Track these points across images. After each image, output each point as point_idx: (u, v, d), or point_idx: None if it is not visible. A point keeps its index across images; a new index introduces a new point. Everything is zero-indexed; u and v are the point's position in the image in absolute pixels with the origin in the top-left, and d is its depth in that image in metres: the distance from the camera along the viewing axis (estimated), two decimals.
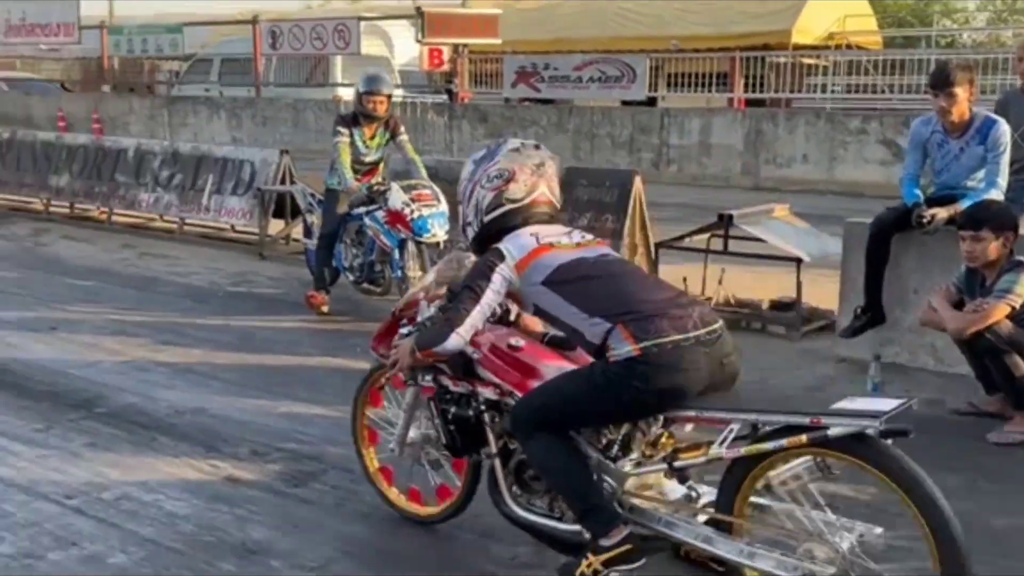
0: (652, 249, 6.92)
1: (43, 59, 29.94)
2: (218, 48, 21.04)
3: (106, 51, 21.49)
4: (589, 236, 3.04)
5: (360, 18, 17.63)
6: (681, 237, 6.59)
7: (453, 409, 3.09)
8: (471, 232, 3.06)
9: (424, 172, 6.54)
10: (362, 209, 6.43)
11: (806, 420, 2.51)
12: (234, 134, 18.97)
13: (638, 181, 7.04)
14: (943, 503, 2.42)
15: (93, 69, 26.44)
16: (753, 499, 2.68)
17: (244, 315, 6.59)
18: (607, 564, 2.66)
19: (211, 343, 5.84)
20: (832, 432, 2.46)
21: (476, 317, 2.86)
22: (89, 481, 3.88)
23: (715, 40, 17.45)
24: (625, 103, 16.04)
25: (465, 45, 16.62)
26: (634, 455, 2.81)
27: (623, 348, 2.64)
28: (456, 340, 2.88)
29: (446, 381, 3.09)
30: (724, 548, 2.65)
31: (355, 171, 6.44)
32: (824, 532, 2.53)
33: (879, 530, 2.55)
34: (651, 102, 16.07)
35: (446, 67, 17.66)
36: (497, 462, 3.03)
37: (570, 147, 15.31)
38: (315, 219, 7.04)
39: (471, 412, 3.05)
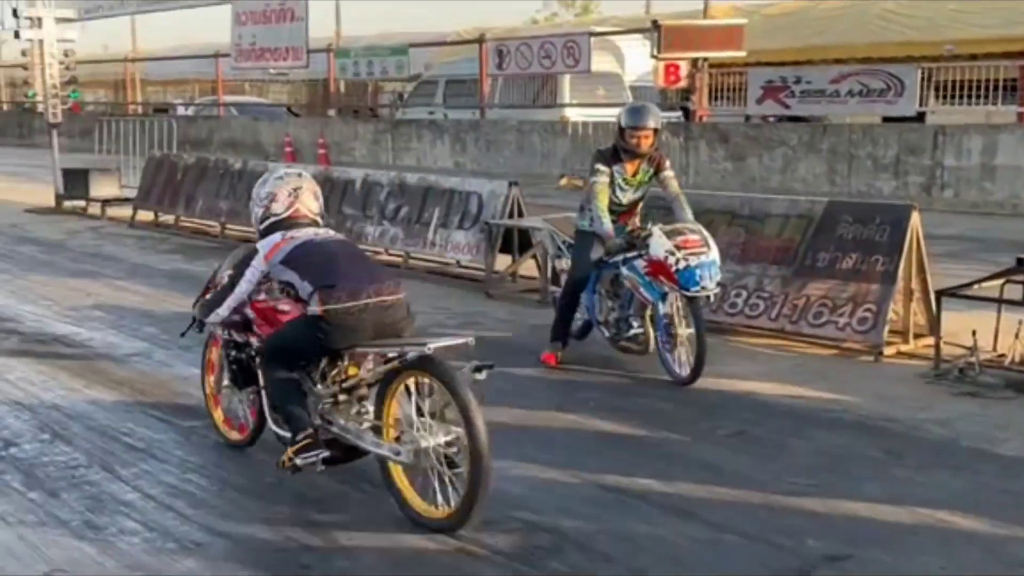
0: (932, 296, 6.47)
1: (270, 83, 32.35)
2: (443, 69, 21.87)
3: (332, 74, 22.86)
4: (331, 231, 4.53)
5: (591, 33, 17.80)
6: (969, 284, 6.12)
7: (234, 353, 4.67)
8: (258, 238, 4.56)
9: (690, 213, 6.21)
10: (619, 256, 6.14)
11: (398, 349, 4.01)
12: (457, 159, 19.63)
13: (915, 217, 6.62)
14: (476, 413, 3.78)
15: (319, 93, 28.21)
16: (395, 410, 4.13)
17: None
18: (296, 453, 4.11)
19: None
20: (409, 356, 3.94)
21: (231, 302, 4.45)
22: (310, 546, 4.02)
23: (999, 44, 16.32)
24: (887, 119, 15.27)
25: (705, 59, 16.40)
26: (329, 381, 4.29)
27: (314, 307, 4.10)
28: (215, 318, 4.55)
29: (233, 333, 4.63)
30: (365, 441, 4.16)
31: (611, 211, 6.19)
32: (418, 431, 3.96)
33: (461, 430, 3.84)
34: (919, 118, 15.21)
35: (683, 83, 17.49)
36: (264, 393, 4.46)
37: (824, 170, 14.75)
38: (563, 265, 6.90)
39: (245, 356, 4.62)
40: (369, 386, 4.24)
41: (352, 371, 4.29)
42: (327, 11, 29.16)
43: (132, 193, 14.00)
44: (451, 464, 3.95)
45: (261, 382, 4.45)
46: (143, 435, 5.25)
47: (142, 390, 6.05)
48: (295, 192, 4.49)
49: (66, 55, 14.74)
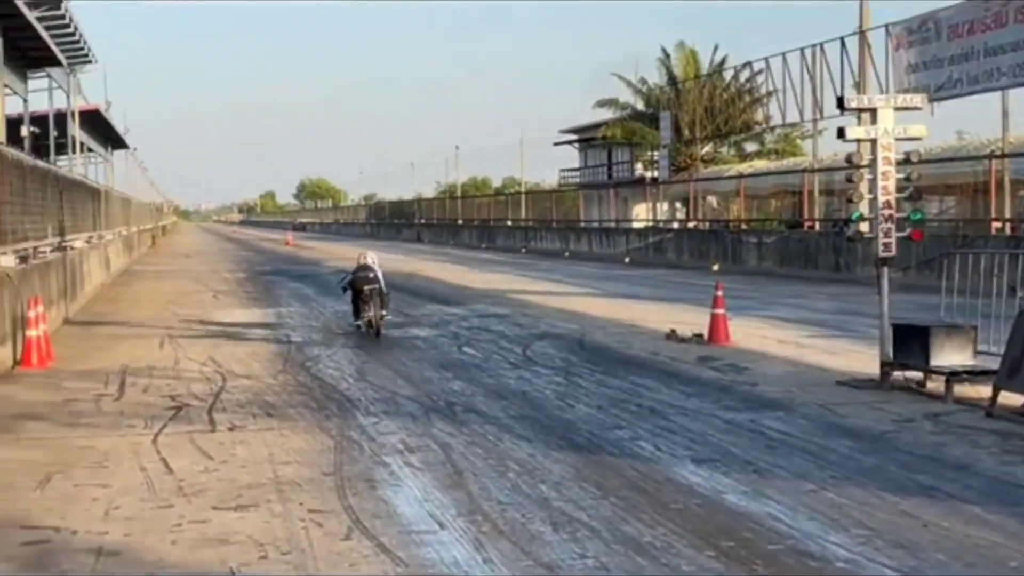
0: None
1: None
2: None
3: None
4: (366, 266, 27.07)
5: None
6: None
7: (350, 294, 27.58)
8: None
9: None
10: None
11: (367, 288, 28.09)
12: None
13: None
14: (375, 306, 26.74)
15: None
16: (373, 306, 29.10)
17: None
18: (356, 321, 28.11)
19: None
20: (367, 289, 28.99)
21: (346, 280, 28.15)
22: None
23: None
24: None
25: None
26: (362, 299, 27.02)
27: (351, 279, 28.48)
28: (341, 283, 28.80)
29: (350, 288, 28.01)
30: (364, 318, 28.47)
31: None
32: (373, 311, 27.78)
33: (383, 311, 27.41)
34: None
35: None
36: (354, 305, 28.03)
37: None
38: None
39: (351, 294, 27.92)
40: (369, 300, 25.26)
41: (367, 297, 25.31)
42: None
43: (992, 363, 14.34)
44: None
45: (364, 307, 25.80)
46: None
47: None
48: (364, 256, 26.80)
49: (908, 160, 15.56)
